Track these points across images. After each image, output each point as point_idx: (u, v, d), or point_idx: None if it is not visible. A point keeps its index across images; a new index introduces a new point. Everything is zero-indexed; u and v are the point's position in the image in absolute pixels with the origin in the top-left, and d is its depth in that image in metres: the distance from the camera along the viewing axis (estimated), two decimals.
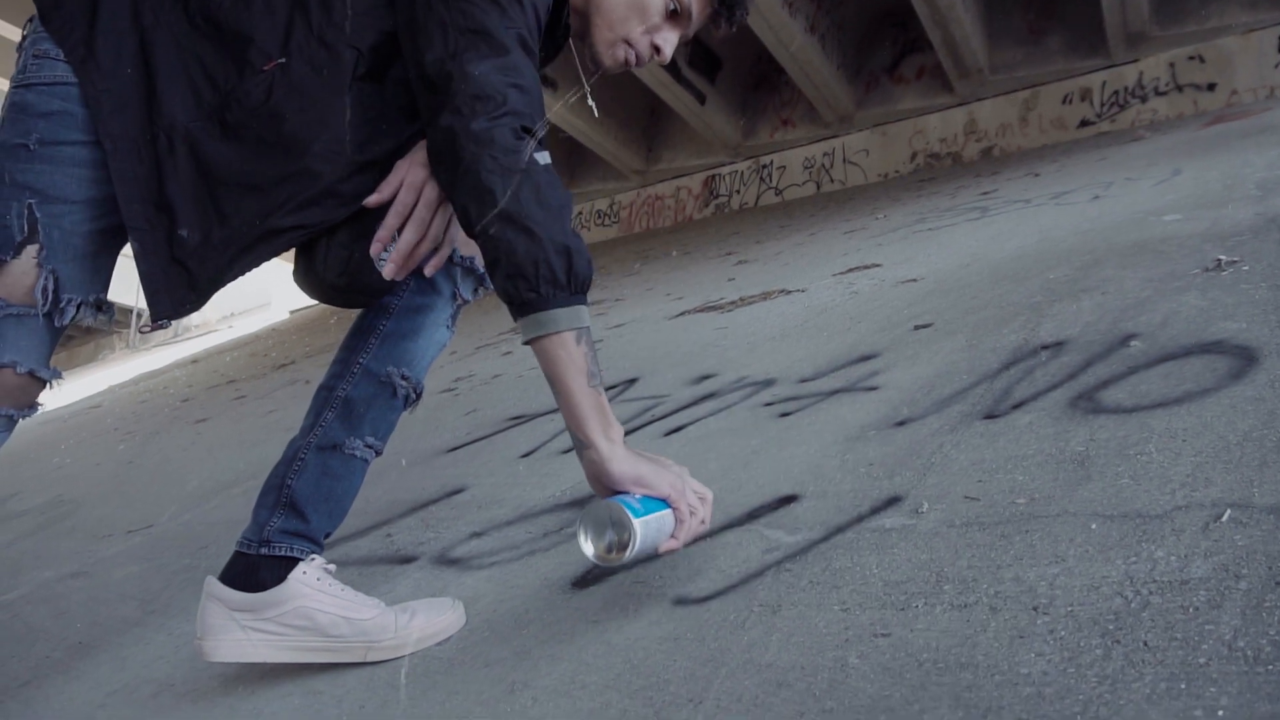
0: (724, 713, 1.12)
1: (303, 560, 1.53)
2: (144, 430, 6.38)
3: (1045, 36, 11.44)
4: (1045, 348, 2.26)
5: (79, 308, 1.43)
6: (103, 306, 1.47)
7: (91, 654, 1.99)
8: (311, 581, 1.53)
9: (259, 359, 10.40)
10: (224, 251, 1.40)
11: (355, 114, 1.40)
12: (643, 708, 1.18)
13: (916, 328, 2.84)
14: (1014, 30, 11.62)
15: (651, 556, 1.44)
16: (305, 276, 1.53)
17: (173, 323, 1.47)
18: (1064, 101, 11.29)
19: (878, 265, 4.47)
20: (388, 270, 1.43)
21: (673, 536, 1.38)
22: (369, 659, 1.53)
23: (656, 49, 1.60)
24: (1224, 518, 1.25)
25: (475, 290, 1.63)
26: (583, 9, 1.57)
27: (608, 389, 3.28)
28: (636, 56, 1.60)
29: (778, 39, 9.76)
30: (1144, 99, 10.60)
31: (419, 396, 1.62)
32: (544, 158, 1.36)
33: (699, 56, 11.43)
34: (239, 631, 1.51)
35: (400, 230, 1.43)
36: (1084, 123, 11.04)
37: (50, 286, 1.40)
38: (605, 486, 1.39)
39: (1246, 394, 1.65)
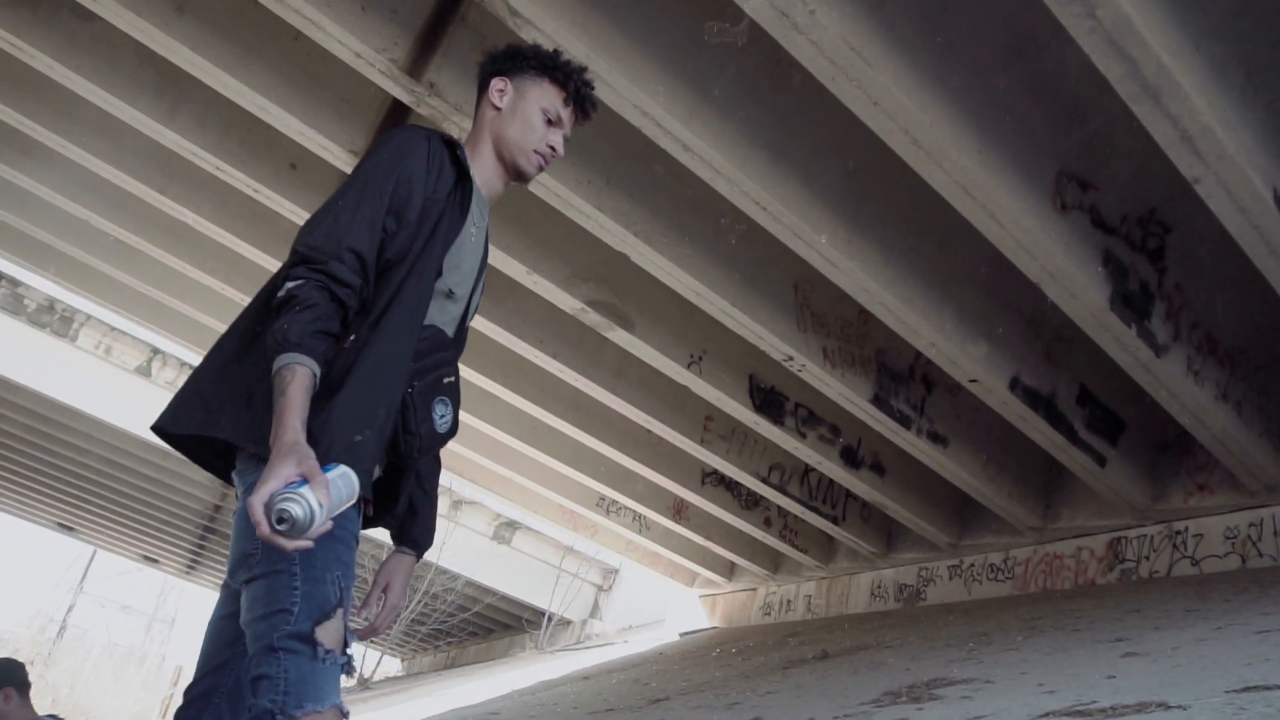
0: None
1: None
2: None
3: None
4: None
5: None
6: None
7: None
8: None
9: (639, 687, 10.93)
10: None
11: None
12: None
13: None
14: None
15: None
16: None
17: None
18: None
19: None
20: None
21: None
22: None
23: (553, 148, 2.22)
24: None
25: None
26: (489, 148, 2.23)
27: None
28: (543, 159, 2.21)
29: (1183, 407, 9.35)
30: None
31: None
32: None
33: (1099, 420, 11.16)
34: None
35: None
36: None
37: (349, 640, 1.84)
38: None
39: None
